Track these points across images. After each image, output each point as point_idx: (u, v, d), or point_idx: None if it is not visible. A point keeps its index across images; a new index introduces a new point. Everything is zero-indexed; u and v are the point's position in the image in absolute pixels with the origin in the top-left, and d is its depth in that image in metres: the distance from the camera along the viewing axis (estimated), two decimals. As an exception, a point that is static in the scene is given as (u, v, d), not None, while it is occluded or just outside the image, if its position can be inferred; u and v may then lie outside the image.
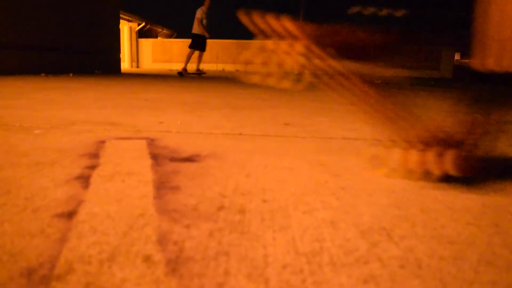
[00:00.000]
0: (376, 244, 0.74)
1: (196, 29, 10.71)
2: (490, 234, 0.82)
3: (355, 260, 0.68)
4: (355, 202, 0.98)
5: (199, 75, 10.86)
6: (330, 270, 0.64)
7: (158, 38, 23.75)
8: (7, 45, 7.79)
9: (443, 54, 21.52)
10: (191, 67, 11.48)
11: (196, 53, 10.93)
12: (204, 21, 10.63)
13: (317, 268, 0.65)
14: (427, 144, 1.18)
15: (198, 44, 10.84)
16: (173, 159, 1.33)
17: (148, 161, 1.30)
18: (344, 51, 1.18)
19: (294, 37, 1.16)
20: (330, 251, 0.71)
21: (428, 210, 0.94)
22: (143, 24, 21.24)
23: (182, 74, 10.51)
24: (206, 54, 22.72)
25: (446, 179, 1.21)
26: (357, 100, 1.24)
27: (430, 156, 1.17)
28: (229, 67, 21.56)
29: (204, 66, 21.56)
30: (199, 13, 10.60)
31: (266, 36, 1.17)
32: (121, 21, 16.24)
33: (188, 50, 10.93)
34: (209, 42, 22.10)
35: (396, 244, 0.75)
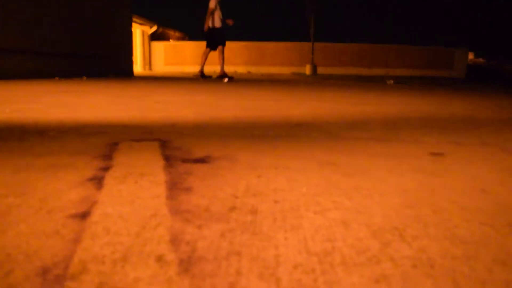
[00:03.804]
0: (388, 244, 0.74)
1: (212, 22, 9.18)
2: (504, 234, 0.81)
3: (367, 260, 0.68)
4: (367, 202, 0.97)
5: (229, 79, 8.89)
6: (342, 270, 0.64)
7: (170, 41, 23.87)
8: (22, 50, 7.90)
9: (456, 54, 21.33)
10: (216, 69, 9.96)
11: (215, 52, 9.25)
12: (219, 12, 8.99)
13: (328, 268, 0.65)
14: None
15: (213, 41, 9.20)
16: (185, 160, 1.34)
17: (161, 162, 1.31)
18: None
19: None
20: (341, 251, 0.71)
21: (440, 210, 0.94)
22: (155, 27, 21.38)
23: (205, 77, 9.27)
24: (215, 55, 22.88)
25: (463, 177, 1.21)
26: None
27: None
28: (240, 69, 21.59)
29: (216, 69, 21.65)
30: (213, 3, 9.01)
31: None
32: (134, 24, 16.35)
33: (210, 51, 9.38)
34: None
35: (408, 244, 0.74)
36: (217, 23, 9.07)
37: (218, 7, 9.01)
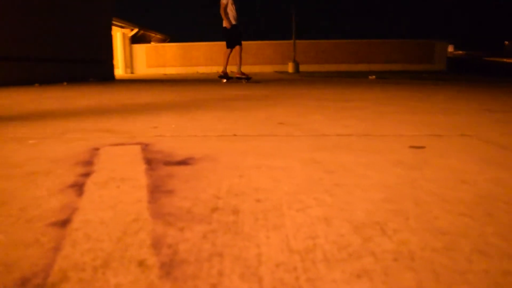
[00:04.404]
0: (369, 239, 0.75)
1: (224, 21, 8.33)
2: (483, 223, 0.83)
3: (349, 256, 0.68)
4: (349, 198, 0.98)
5: (246, 80, 8.47)
6: (324, 267, 0.65)
7: (152, 43, 23.73)
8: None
9: (436, 46, 21.61)
10: (230, 69, 8.98)
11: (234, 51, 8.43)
12: (232, 8, 8.15)
13: (310, 265, 0.65)
14: None
15: (230, 40, 8.37)
16: (168, 163, 1.33)
17: (142, 166, 1.30)
18: None
19: None
20: (323, 247, 0.71)
21: (421, 203, 0.95)
22: (136, 30, 21.23)
23: (229, 77, 8.53)
24: (200, 57, 22.79)
25: (442, 170, 1.22)
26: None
27: None
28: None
29: (199, 69, 21.61)
30: None
31: None
32: (114, 27, 16.22)
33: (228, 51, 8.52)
34: (202, 45, 22.18)
35: (389, 238, 0.75)
36: (231, 21, 8.28)
37: (230, 3, 8.13)
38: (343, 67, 21.41)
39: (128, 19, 20.02)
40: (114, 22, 15.70)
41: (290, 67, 17.86)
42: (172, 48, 22.01)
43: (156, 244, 0.73)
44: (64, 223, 0.84)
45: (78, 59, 10.55)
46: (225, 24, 8.18)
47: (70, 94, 5.13)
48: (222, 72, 8.54)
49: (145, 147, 1.61)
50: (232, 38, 8.29)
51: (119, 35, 20.48)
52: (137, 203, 0.95)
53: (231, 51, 8.38)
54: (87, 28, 11.06)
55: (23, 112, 3.01)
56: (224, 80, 8.48)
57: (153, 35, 24.59)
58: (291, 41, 17.98)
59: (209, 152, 1.51)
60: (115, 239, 0.75)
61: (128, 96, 4.68)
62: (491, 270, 0.64)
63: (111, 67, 12.57)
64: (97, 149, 1.58)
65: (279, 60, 21.47)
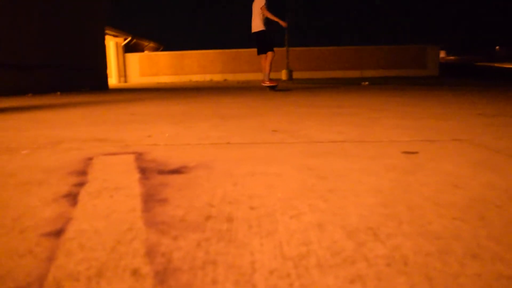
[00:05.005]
0: (363, 244, 0.75)
1: (259, 25, 7.51)
2: (476, 227, 0.83)
3: (342, 261, 0.68)
4: (342, 204, 0.98)
5: (272, 89, 7.75)
6: (317, 272, 0.65)
7: (145, 52, 23.76)
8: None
9: (428, 52, 21.77)
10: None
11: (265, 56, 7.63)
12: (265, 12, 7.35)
13: (304, 271, 0.65)
14: None
15: (261, 45, 7.60)
16: (161, 172, 1.33)
17: (136, 175, 1.30)
18: None
19: None
20: (317, 253, 0.71)
21: (414, 207, 0.95)
22: (129, 38, 21.25)
23: (274, 87, 7.71)
24: (193, 65, 22.77)
25: (435, 175, 1.23)
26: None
27: None
28: (217, 77, 21.60)
29: (192, 77, 21.60)
30: (261, 1, 7.40)
31: None
32: (107, 36, 16.24)
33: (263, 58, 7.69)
34: (196, 54, 22.20)
35: (382, 243, 0.75)
36: (264, 25, 7.50)
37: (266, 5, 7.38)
38: (337, 74, 21.52)
39: (121, 28, 20.04)
40: (107, 31, 15.72)
41: (283, 75, 17.92)
42: (165, 57, 22.03)
43: (150, 253, 0.73)
44: (58, 233, 0.83)
45: (72, 69, 10.54)
46: (281, 22, 7.49)
47: (63, 103, 5.12)
48: (269, 81, 7.64)
49: (139, 156, 1.61)
50: (270, 42, 7.53)
51: (112, 44, 20.49)
52: (131, 212, 0.95)
53: (271, 56, 7.52)
54: (80, 37, 11.07)
55: (16, 121, 3.00)
56: (274, 87, 7.68)
57: (147, 43, 24.62)
58: (284, 48, 18.04)
59: (203, 160, 1.51)
60: (109, 249, 0.75)
61: (122, 105, 4.67)
62: (484, 273, 0.64)
63: (104, 76, 12.57)
64: (90, 158, 1.58)
65: (273, 68, 21.53)
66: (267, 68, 7.59)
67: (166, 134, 2.19)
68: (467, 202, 0.99)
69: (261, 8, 7.34)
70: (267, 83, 7.67)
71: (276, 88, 7.79)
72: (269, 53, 7.51)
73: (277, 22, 7.53)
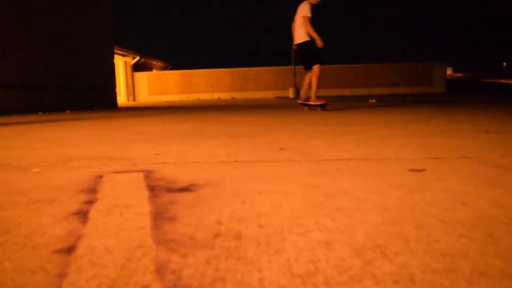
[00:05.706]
0: (370, 262, 0.76)
1: (302, 36, 6.57)
2: (483, 245, 0.83)
3: (350, 279, 0.69)
4: (350, 222, 0.99)
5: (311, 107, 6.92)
6: (325, 290, 0.65)
7: (153, 71, 24.00)
8: (4, 85, 7.88)
9: (435, 69, 21.79)
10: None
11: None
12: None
13: (312, 289, 0.66)
14: None
15: (304, 58, 6.78)
16: (170, 190, 1.35)
17: (145, 193, 1.31)
18: None
19: None
20: (325, 271, 0.72)
21: (421, 226, 0.96)
22: (138, 58, 21.51)
23: (324, 105, 6.72)
24: (201, 84, 22.95)
25: (442, 193, 1.23)
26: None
27: None
28: (224, 96, 21.73)
29: (200, 96, 21.76)
30: (306, 9, 6.45)
31: None
32: (116, 56, 16.44)
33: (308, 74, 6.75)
34: (203, 72, 22.39)
35: (390, 261, 0.76)
36: (307, 36, 6.56)
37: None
38: (344, 92, 21.58)
39: (130, 48, 20.32)
40: (116, 51, 15.92)
41: (291, 93, 18.01)
42: (173, 76, 22.25)
43: (160, 270, 0.74)
44: (69, 250, 0.85)
45: (82, 87, 10.67)
46: (318, 41, 6.40)
47: (73, 121, 5.18)
48: (317, 99, 6.68)
49: (148, 174, 1.63)
50: (318, 53, 6.54)
51: (121, 63, 20.74)
52: (141, 230, 0.96)
53: (317, 71, 6.53)
54: (89, 57, 11.22)
55: (27, 139, 3.04)
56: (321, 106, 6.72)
57: (155, 62, 24.90)
58: (291, 67, 18.15)
59: (211, 178, 1.52)
60: (119, 266, 0.76)
61: (131, 123, 4.72)
62: (491, 291, 0.65)
63: (113, 95, 12.69)
64: (100, 176, 1.60)
65: (279, 86, 21.65)
66: (315, 83, 6.57)
67: (175, 152, 2.21)
68: (474, 220, 0.99)
69: (302, 17, 6.42)
70: (314, 102, 6.67)
71: (325, 107, 6.74)
72: (316, 67, 6.48)
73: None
